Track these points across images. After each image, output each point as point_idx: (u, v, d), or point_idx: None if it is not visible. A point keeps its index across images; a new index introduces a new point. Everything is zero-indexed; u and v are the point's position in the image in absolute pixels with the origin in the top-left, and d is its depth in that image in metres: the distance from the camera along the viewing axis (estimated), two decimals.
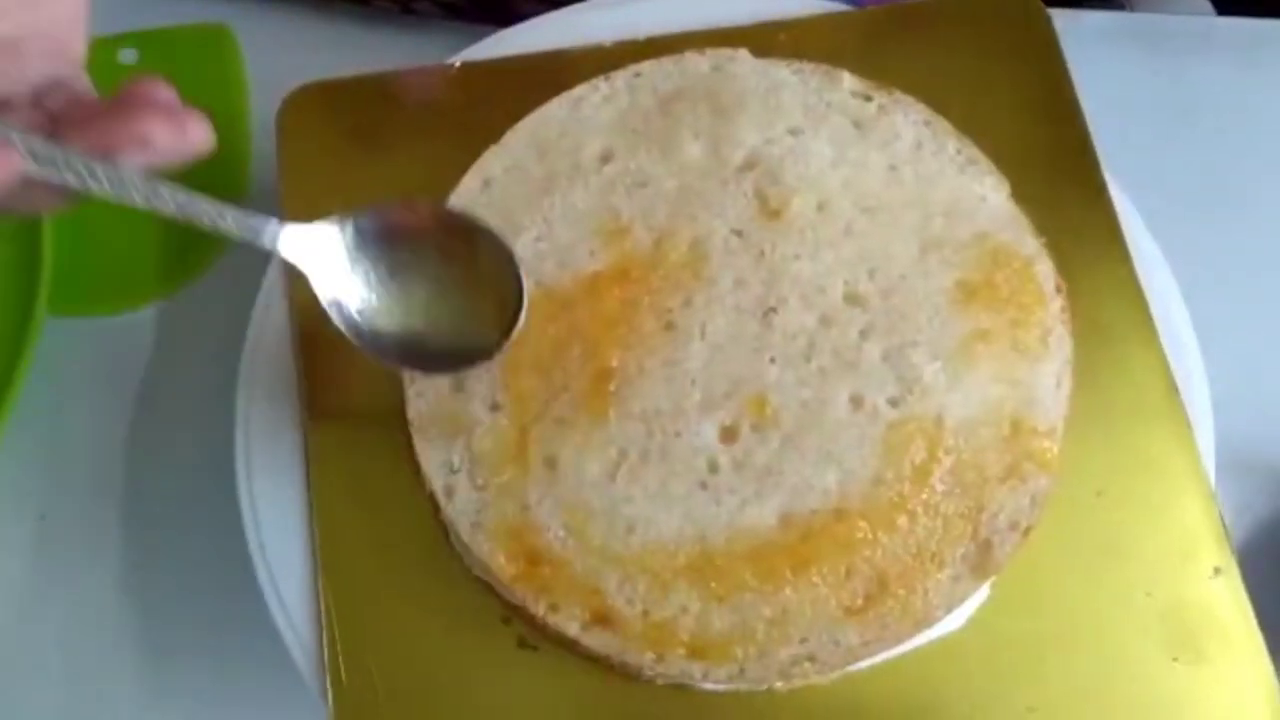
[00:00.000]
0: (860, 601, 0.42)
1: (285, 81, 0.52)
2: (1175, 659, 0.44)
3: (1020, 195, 0.49)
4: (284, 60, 0.54)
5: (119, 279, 0.58)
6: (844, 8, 0.56)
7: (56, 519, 0.54)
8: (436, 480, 0.44)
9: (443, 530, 0.45)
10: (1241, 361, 0.51)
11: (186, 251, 0.58)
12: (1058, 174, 0.51)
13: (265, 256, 0.49)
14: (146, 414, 0.55)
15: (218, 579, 0.51)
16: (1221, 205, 0.57)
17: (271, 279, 0.50)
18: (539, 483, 0.43)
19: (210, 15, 0.63)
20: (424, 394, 0.45)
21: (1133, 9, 0.65)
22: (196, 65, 0.62)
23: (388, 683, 0.44)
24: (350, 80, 0.53)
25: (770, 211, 0.47)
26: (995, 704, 0.44)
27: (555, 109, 0.49)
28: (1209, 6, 0.66)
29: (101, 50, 0.62)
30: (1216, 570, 0.45)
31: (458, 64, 0.54)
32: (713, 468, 0.43)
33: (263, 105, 0.61)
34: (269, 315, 0.49)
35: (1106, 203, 0.51)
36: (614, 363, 0.44)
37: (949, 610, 0.43)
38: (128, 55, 0.62)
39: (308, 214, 0.50)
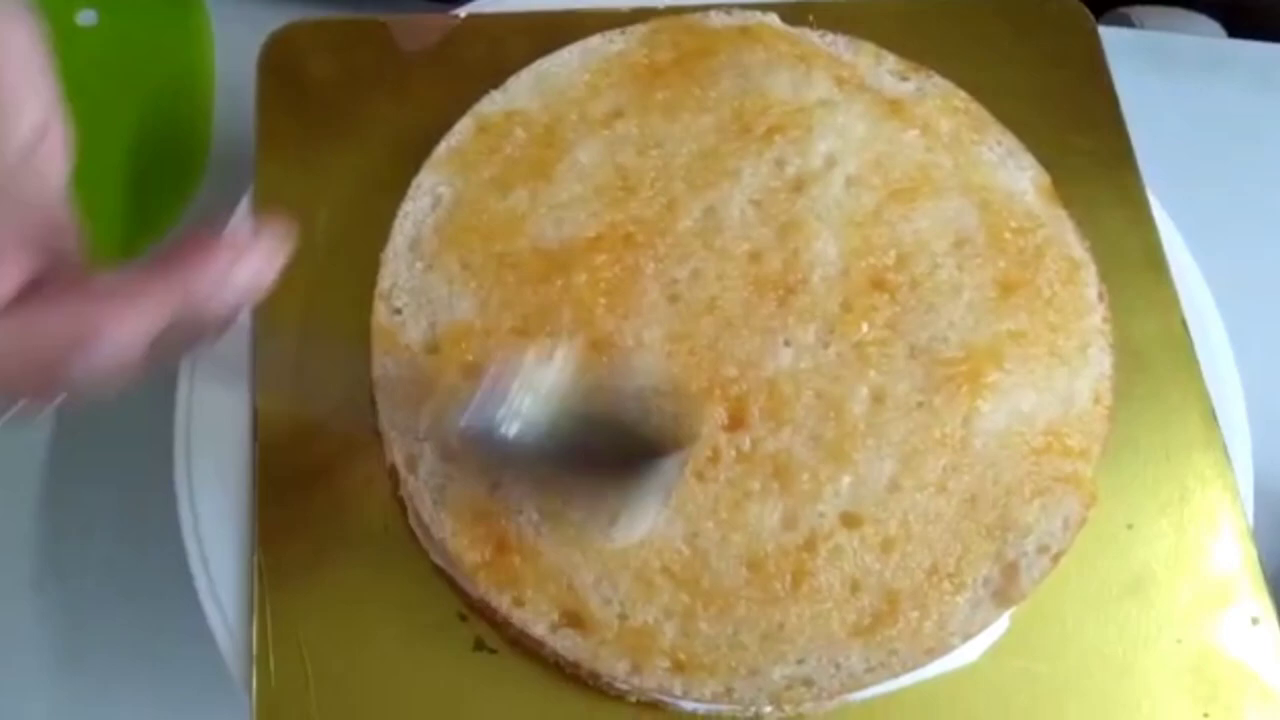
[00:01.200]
0: (867, 621, 0.38)
1: (255, 45, 0.48)
2: (1206, 714, 0.40)
3: (1058, 198, 0.45)
4: (255, 23, 0.50)
5: None
6: None
7: None
8: (399, 449, 0.39)
9: (401, 509, 0.40)
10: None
11: (134, 223, 0.54)
12: (1096, 183, 0.48)
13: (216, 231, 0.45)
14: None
15: (146, 575, 0.47)
16: (1245, 226, 0.55)
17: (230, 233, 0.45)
18: None
19: None
20: (392, 352, 0.40)
21: (1143, 28, 0.63)
22: (161, 29, 0.58)
23: (323, 681, 0.39)
24: (344, 21, 0.49)
25: (794, 184, 0.43)
26: None
27: (564, 57, 0.45)
28: (1219, 28, 0.64)
29: (58, 10, 0.58)
30: (1254, 620, 0.41)
31: (462, 14, 0.50)
32: (713, 457, 0.39)
33: (229, 69, 0.57)
34: None
35: (1148, 218, 0.47)
36: (610, 332, 0.40)
37: (966, 639, 0.38)
38: (87, 17, 0.58)
39: (282, 156, 0.46)
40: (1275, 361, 0.49)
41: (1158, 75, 0.59)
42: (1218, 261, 0.48)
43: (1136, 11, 0.67)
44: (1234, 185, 0.57)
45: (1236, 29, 0.65)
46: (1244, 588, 0.41)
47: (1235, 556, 0.42)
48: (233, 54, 0.58)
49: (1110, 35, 0.57)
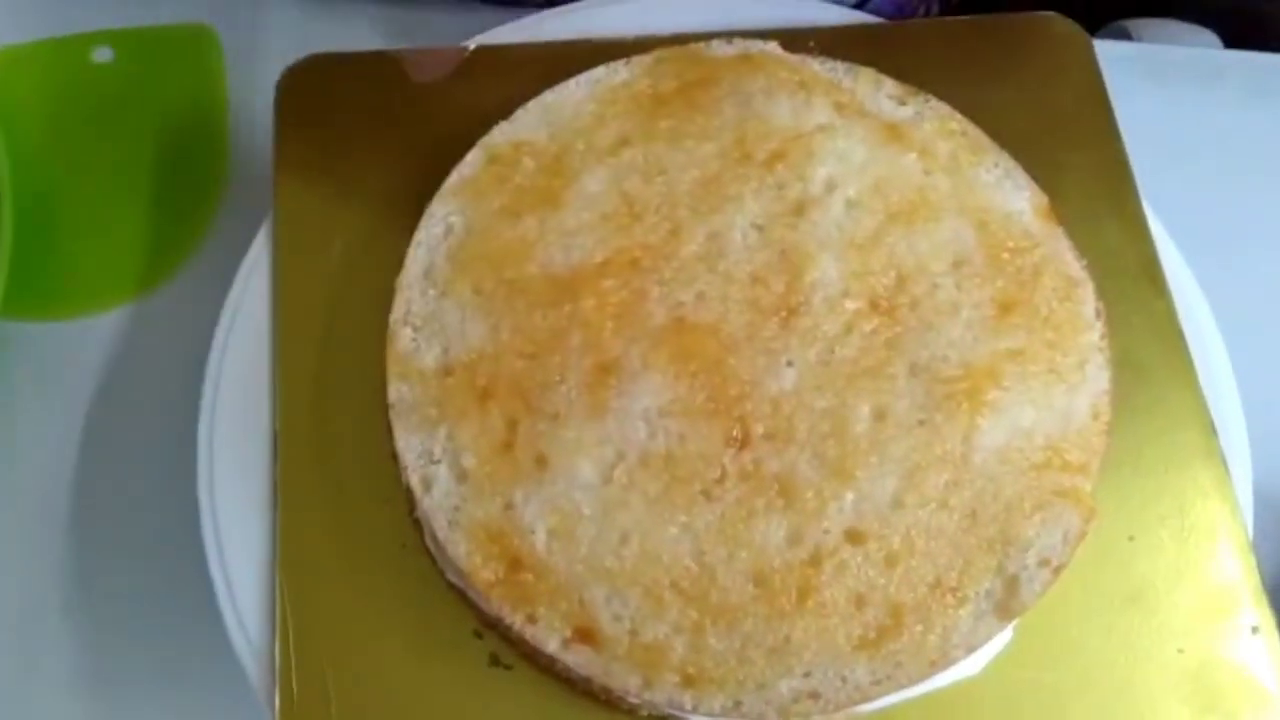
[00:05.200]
0: (872, 635, 0.38)
1: (267, 79, 0.50)
2: None
3: (1055, 217, 0.46)
4: (267, 57, 0.51)
5: (80, 282, 0.55)
6: (876, 20, 0.53)
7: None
8: (414, 471, 0.40)
9: (417, 530, 0.42)
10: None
11: (152, 256, 0.55)
12: (1094, 200, 0.49)
13: (234, 261, 0.46)
14: (102, 426, 0.52)
15: (171, 595, 0.48)
16: (1243, 237, 0.56)
17: (250, 262, 0.47)
18: (526, 480, 0.40)
19: (192, 11, 0.61)
20: (407, 377, 0.41)
21: (1140, 40, 0.64)
22: (176, 64, 0.60)
23: (344, 698, 0.40)
24: (358, 55, 0.51)
25: (795, 208, 0.44)
26: None
27: (571, 88, 0.46)
28: (1216, 39, 0.65)
29: (74, 48, 0.60)
30: (1254, 629, 0.42)
31: (472, 46, 0.51)
32: (720, 476, 0.40)
33: (243, 103, 0.59)
34: (241, 309, 0.46)
35: (1145, 233, 0.48)
36: (617, 356, 0.41)
37: (969, 651, 0.39)
38: (103, 54, 0.60)
39: (299, 186, 0.48)
40: (1273, 372, 0.50)
41: (1156, 87, 0.60)
42: (1215, 273, 0.49)
43: (1134, 24, 0.68)
44: (1232, 195, 0.58)
45: (1233, 40, 0.66)
46: (1244, 598, 0.42)
47: (1235, 567, 0.43)
48: (245, 86, 0.59)
49: (1108, 48, 0.58)
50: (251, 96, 0.58)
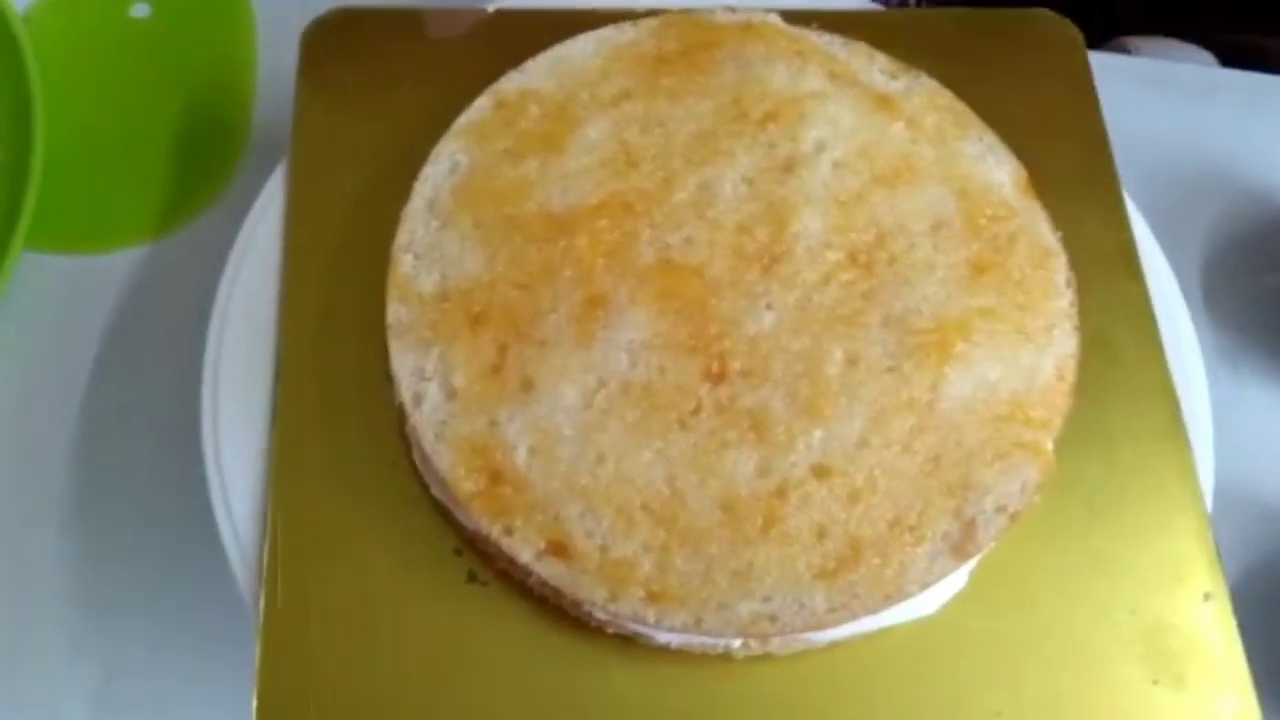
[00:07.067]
0: (831, 565, 0.40)
1: (295, 30, 0.53)
2: (1156, 681, 0.42)
3: (1034, 192, 0.48)
4: (298, 23, 0.54)
5: (105, 218, 0.58)
6: (877, 7, 0.56)
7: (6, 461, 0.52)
8: (407, 387, 0.42)
9: (406, 446, 0.43)
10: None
11: (175, 200, 0.58)
12: (1076, 188, 0.51)
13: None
14: (115, 352, 0.54)
15: (170, 516, 0.50)
16: (1226, 238, 0.58)
17: (267, 196, 0.49)
18: (511, 400, 0.41)
19: None
20: (406, 300, 0.44)
21: (1138, 55, 0.67)
22: (209, 24, 0.64)
23: (324, 605, 0.42)
24: (379, 10, 0.53)
25: (784, 164, 0.46)
26: (961, 702, 0.41)
27: (580, 43, 0.48)
28: (1212, 58, 0.67)
29: (114, 4, 0.63)
30: (1207, 596, 0.43)
31: (491, 9, 0.54)
32: (695, 407, 0.41)
33: (271, 64, 0.61)
34: (255, 237, 0.49)
35: (1124, 221, 0.50)
36: (606, 290, 0.43)
37: (922, 587, 0.40)
38: (141, 10, 0.64)
39: (315, 131, 0.50)
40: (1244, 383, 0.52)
41: (1153, 97, 0.63)
42: (1197, 271, 0.51)
43: (1135, 41, 0.71)
44: (1220, 202, 0.60)
45: (1229, 61, 0.68)
46: (1199, 566, 0.44)
47: (1192, 537, 0.44)
48: (274, 48, 0.62)
49: (1108, 60, 0.60)
50: (280, 59, 0.61)
